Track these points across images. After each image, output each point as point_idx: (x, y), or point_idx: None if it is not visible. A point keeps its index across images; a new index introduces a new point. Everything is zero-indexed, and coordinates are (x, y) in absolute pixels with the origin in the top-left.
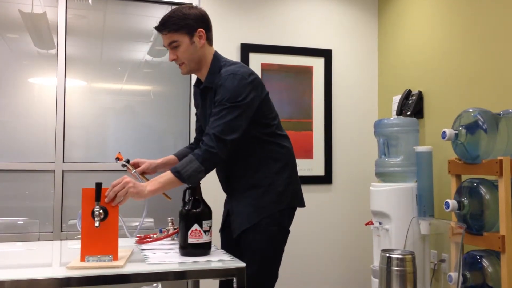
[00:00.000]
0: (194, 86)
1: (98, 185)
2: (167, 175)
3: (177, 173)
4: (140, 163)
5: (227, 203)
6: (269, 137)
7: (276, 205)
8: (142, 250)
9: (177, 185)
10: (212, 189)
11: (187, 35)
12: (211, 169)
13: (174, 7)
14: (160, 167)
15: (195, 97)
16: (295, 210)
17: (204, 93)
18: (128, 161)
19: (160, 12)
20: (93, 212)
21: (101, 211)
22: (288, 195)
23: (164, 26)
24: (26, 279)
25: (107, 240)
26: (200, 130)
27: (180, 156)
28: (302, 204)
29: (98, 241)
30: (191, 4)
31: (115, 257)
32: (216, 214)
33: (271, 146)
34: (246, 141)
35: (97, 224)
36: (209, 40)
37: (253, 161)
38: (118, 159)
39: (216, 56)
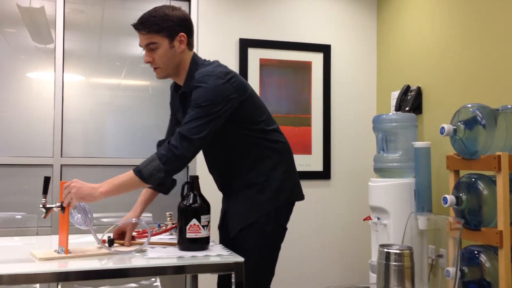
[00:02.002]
0: (172, 90)
1: (46, 179)
2: (128, 175)
3: (138, 172)
4: (122, 229)
5: (224, 201)
6: (260, 133)
7: (272, 202)
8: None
9: (138, 187)
10: (211, 184)
11: (167, 38)
12: (174, 170)
13: (172, 2)
14: (142, 211)
15: (173, 102)
16: (293, 204)
17: (183, 98)
18: (112, 240)
19: None
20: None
21: (44, 204)
22: (285, 191)
23: (143, 24)
24: (24, 273)
25: (62, 233)
26: (171, 132)
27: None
28: (301, 197)
29: (61, 233)
30: (175, 6)
31: (66, 251)
32: (214, 210)
33: (263, 142)
34: (236, 140)
35: (42, 216)
36: (190, 45)
37: (247, 160)
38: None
39: (195, 60)
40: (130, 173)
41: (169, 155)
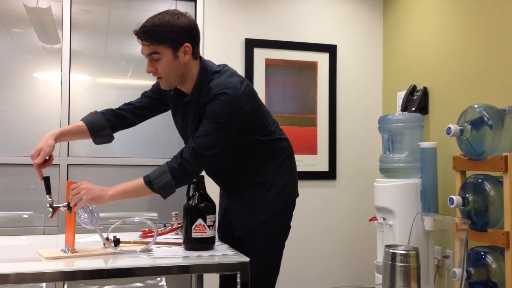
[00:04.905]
0: (172, 94)
1: (46, 179)
2: (137, 183)
3: (148, 182)
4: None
5: (224, 197)
6: (268, 136)
7: (279, 201)
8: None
9: (146, 195)
10: (216, 184)
11: (171, 49)
12: (184, 183)
13: (178, 2)
14: (62, 140)
15: (173, 105)
16: (295, 201)
17: (187, 105)
18: (118, 240)
19: (164, 7)
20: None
21: (51, 204)
22: (290, 188)
23: (145, 34)
24: (31, 272)
25: (69, 232)
26: (145, 100)
27: (93, 124)
28: (298, 194)
29: (68, 232)
30: (181, 12)
31: (72, 250)
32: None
33: (271, 143)
34: (246, 146)
35: (49, 215)
36: (195, 55)
37: (255, 162)
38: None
39: (204, 67)
40: (139, 181)
41: (181, 170)
